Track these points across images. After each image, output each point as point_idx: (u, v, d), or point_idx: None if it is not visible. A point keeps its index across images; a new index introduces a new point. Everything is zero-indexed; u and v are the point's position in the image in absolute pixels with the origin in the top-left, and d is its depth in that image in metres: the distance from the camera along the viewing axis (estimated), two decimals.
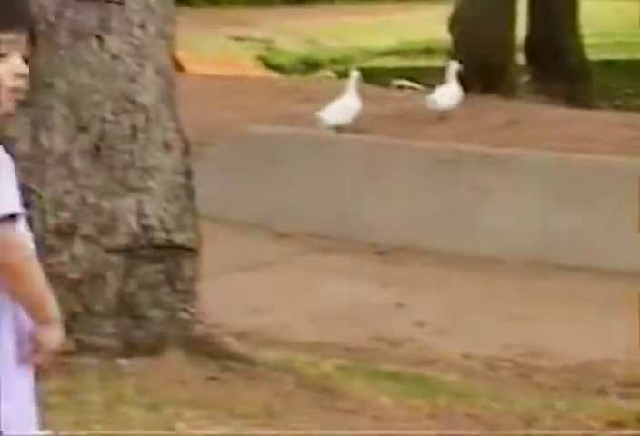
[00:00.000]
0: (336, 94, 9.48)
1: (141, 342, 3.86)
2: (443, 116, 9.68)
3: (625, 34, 21.65)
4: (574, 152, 7.61)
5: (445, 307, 5.78)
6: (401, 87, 13.64)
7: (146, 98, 3.90)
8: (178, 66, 17.15)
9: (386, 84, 13.24)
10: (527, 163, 7.21)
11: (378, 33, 19.82)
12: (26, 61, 1.92)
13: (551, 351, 5.12)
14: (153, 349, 3.86)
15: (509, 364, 4.92)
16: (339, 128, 8.88)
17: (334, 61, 18.39)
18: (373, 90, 9.53)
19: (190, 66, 16.08)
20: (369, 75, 9.56)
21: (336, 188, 7.33)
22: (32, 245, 2.05)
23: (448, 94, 9.70)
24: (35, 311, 2.04)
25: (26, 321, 2.05)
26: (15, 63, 1.99)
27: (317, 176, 7.38)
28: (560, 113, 9.93)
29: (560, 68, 12.44)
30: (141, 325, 3.88)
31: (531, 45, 12.77)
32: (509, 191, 7.06)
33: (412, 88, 13.73)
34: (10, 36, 1.99)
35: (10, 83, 2.00)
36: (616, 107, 12.01)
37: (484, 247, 6.85)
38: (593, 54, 15.87)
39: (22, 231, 2.02)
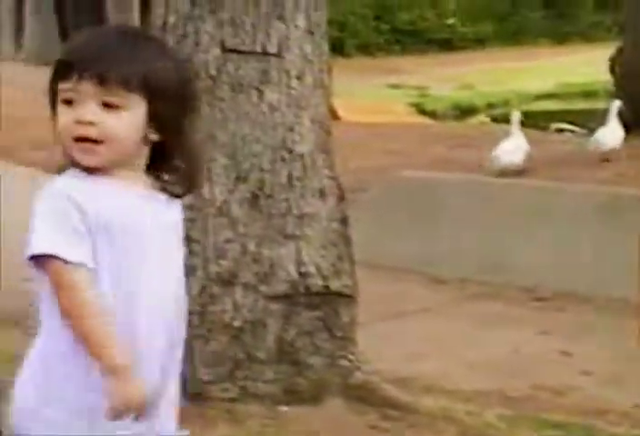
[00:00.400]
0: (492, 138, 9.45)
1: (301, 389, 3.90)
2: (606, 158, 9.54)
3: None
4: None
5: (612, 355, 5.64)
6: (560, 130, 13.50)
7: (303, 147, 3.98)
8: (334, 115, 17.42)
9: (544, 128, 13.12)
10: None
11: (533, 76, 19.69)
12: (106, 106, 1.95)
13: None
14: (313, 396, 3.89)
15: None
16: (507, 169, 8.86)
17: (489, 105, 18.33)
18: (531, 133, 9.45)
19: (345, 114, 16.29)
20: (527, 119, 9.52)
21: (494, 233, 7.28)
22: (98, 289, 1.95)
23: (611, 135, 9.56)
24: (95, 357, 1.93)
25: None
26: (81, 111, 1.96)
27: (474, 221, 7.35)
28: None
29: None
30: (301, 372, 3.93)
31: None
32: None
33: (571, 131, 13.57)
34: (87, 86, 1.95)
35: (74, 131, 1.97)
36: None
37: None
38: None
39: (79, 272, 1.93)
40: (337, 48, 23.76)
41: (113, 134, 1.96)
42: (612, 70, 12.33)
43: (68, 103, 1.97)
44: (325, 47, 4.08)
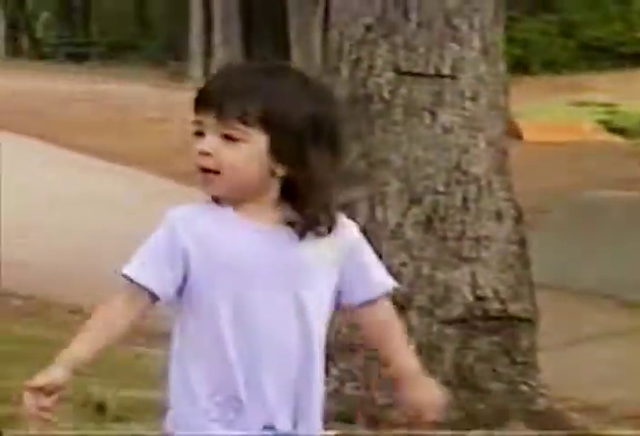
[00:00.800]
0: None
1: (481, 415, 3.85)
2: None
3: None
4: None
5: None
6: None
7: (478, 169, 3.95)
8: (516, 134, 17.27)
9: None
10: None
11: None
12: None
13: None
14: (494, 422, 3.83)
15: None
16: None
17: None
18: None
19: (528, 134, 16.06)
20: None
21: None
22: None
23: None
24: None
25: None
26: (203, 142, 1.99)
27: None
28: None
29: None
30: (481, 398, 3.88)
31: None
32: None
33: None
34: (208, 119, 1.99)
35: (197, 162, 2.01)
36: None
37: None
38: None
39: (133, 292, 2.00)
40: (521, 67, 23.49)
41: (229, 165, 1.98)
42: None
43: (199, 134, 2.02)
44: (501, 67, 4.04)
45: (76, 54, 36.37)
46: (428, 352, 3.84)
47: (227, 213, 2.02)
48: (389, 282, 2.18)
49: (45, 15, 42.05)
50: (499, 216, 3.96)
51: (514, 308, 3.94)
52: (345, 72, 4.00)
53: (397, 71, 3.91)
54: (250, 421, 2.00)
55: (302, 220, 2.03)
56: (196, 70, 23.36)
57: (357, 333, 3.85)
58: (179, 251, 1.99)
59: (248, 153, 1.99)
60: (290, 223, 2.02)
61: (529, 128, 17.01)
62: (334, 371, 3.84)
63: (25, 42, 43.81)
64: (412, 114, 3.90)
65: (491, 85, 3.98)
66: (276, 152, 2.00)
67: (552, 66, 24.46)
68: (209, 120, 1.99)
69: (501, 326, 3.90)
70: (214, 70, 23.68)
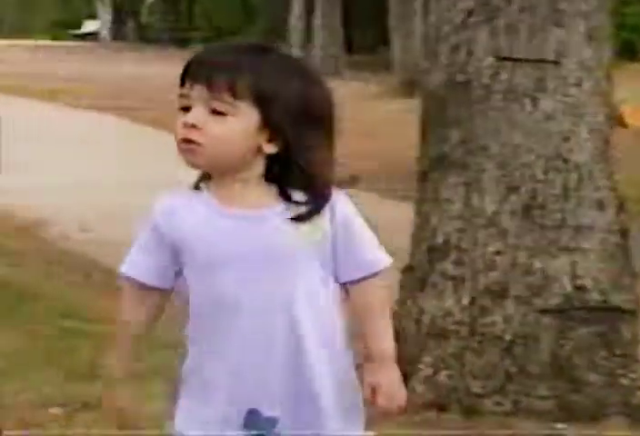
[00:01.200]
0: None
1: (578, 407, 3.78)
2: None
3: None
4: None
5: None
6: None
7: (579, 157, 3.87)
8: (621, 122, 16.89)
9: None
10: None
11: None
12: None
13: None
14: (591, 415, 3.77)
15: None
16: None
17: None
18: None
19: (634, 121, 15.72)
20: None
21: None
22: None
23: None
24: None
25: None
26: (188, 115, 1.96)
27: None
28: None
29: None
30: (578, 389, 3.81)
31: None
32: None
33: None
34: (196, 91, 1.96)
35: (180, 134, 1.97)
36: None
37: None
38: None
39: (126, 285, 2.06)
40: (628, 52, 22.98)
41: (213, 138, 1.94)
42: None
43: (185, 109, 1.98)
44: (606, 52, 3.94)
45: (180, 38, 36.79)
46: (525, 342, 3.79)
47: (206, 200, 2.00)
48: (379, 262, 2.04)
49: (150, 0, 42.62)
50: (600, 205, 3.87)
51: (614, 299, 3.86)
52: (443, 57, 3.95)
53: (498, 56, 3.84)
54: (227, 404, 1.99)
55: (301, 202, 1.98)
56: (295, 52, 23.43)
57: (450, 320, 3.82)
58: (168, 246, 2.01)
59: (235, 126, 1.95)
60: (288, 206, 1.97)
61: (633, 115, 16.64)
62: (427, 359, 3.82)
63: (130, 26, 44.49)
64: (512, 100, 3.83)
65: (595, 71, 3.88)
66: (269, 128, 1.96)
67: None
68: (197, 92, 1.96)
69: (601, 317, 3.82)
70: (314, 55, 23.76)
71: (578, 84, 3.85)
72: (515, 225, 3.83)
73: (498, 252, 3.82)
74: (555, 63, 3.82)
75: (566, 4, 3.84)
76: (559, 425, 3.71)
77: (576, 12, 3.84)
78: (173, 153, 1.99)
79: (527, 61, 3.82)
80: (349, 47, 26.99)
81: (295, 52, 23.66)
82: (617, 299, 3.87)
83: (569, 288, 3.81)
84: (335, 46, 24.87)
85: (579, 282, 3.81)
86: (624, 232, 3.92)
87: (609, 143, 3.94)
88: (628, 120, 15.86)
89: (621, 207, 3.93)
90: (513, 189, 3.84)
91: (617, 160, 4.02)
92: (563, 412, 3.73)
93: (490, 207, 3.85)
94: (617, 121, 15.94)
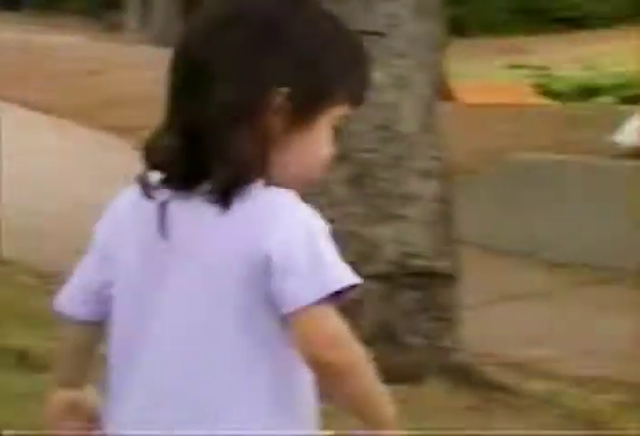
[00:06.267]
0: (616, 120, 9.24)
1: (400, 370, 3.91)
2: None
3: None
4: None
5: None
6: None
7: (407, 127, 3.97)
8: (450, 96, 17.27)
9: None
10: None
11: None
12: None
13: None
14: (412, 376, 3.90)
15: None
16: (629, 151, 8.68)
17: (615, 86, 17.91)
18: None
19: (463, 95, 16.11)
20: None
21: (611, 216, 7.14)
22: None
23: None
24: (365, 414, 1.56)
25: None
26: None
27: (591, 204, 7.22)
28: None
29: None
30: (400, 352, 3.94)
31: None
32: None
33: None
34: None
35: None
36: None
37: None
38: None
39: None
40: (458, 28, 23.53)
41: None
42: None
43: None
44: (434, 27, 4.05)
45: (10, 1, 35.64)
46: (352, 307, 3.89)
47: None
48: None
49: None
50: (427, 174, 4.00)
51: (437, 265, 4.00)
52: None
53: None
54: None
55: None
56: (133, 22, 23.04)
57: None
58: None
59: None
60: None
61: (463, 89, 17.04)
62: None
63: None
64: None
65: (422, 44, 3.99)
66: None
67: (490, 28, 24.55)
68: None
69: (424, 282, 3.95)
70: (152, 22, 23.40)
71: (404, 57, 3.95)
72: (345, 194, 3.91)
73: (330, 220, 3.90)
74: (381, 34, 3.90)
75: None
76: None
77: None
78: None
79: (356, 31, 3.89)
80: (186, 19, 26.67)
81: (132, 19, 23.27)
82: (440, 265, 4.00)
83: (396, 255, 3.92)
84: (173, 16, 24.57)
85: (405, 248, 3.93)
86: (448, 201, 4.06)
87: (435, 115, 4.06)
88: (459, 94, 16.24)
89: (446, 177, 4.06)
90: (343, 158, 3.92)
91: (446, 133, 4.14)
92: (386, 374, 3.85)
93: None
94: (445, 95, 16.35)
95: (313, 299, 1.49)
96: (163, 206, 1.52)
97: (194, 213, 1.51)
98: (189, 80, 1.51)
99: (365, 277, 4.09)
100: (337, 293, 1.55)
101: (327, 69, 1.53)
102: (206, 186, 1.49)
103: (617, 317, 5.84)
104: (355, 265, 4.06)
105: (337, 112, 1.57)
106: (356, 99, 1.59)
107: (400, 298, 3.93)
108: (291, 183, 1.53)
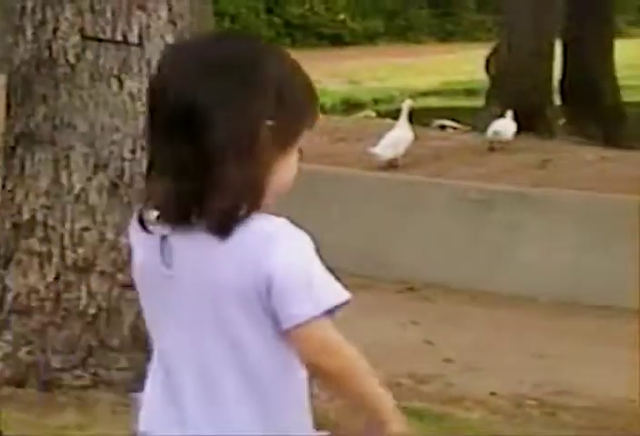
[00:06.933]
0: (375, 132, 9.52)
1: None
2: (501, 147, 9.88)
3: None
4: (606, 192, 7.57)
5: (474, 344, 5.75)
6: (442, 127, 13.68)
7: None
8: None
9: (427, 124, 13.29)
10: (560, 203, 7.19)
11: (419, 73, 19.91)
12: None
13: (578, 389, 5.07)
14: None
15: (535, 403, 4.88)
16: (387, 163, 8.95)
17: (375, 101, 18.48)
18: (414, 129, 9.58)
19: None
20: (411, 115, 9.63)
21: (371, 225, 7.34)
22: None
23: (505, 128, 9.96)
24: (368, 412, 1.77)
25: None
26: None
27: (352, 214, 7.40)
28: (594, 153, 9.91)
29: (595, 110, 12.44)
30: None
31: (566, 88, 12.81)
32: (541, 230, 7.04)
33: (453, 127, 13.78)
34: None
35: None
36: None
37: (515, 285, 6.83)
38: (634, 96, 15.78)
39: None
40: None
41: None
42: (487, 69, 12.62)
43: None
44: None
45: None
46: (108, 316, 3.84)
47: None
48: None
49: None
50: None
51: None
52: (29, 32, 3.89)
53: (83, 35, 3.85)
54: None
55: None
56: None
57: (34, 297, 3.79)
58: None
59: None
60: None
61: None
62: (7, 336, 3.77)
63: None
64: (98, 80, 3.85)
65: None
66: None
67: None
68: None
69: None
70: None
71: None
72: (103, 202, 3.86)
73: (86, 229, 3.83)
74: (139, 45, 3.88)
75: None
76: (134, 395, 3.78)
77: None
78: None
79: (112, 42, 3.85)
80: None
81: None
82: None
83: None
84: None
85: None
86: None
87: None
88: None
89: None
90: (101, 166, 3.87)
91: None
92: (140, 382, 3.81)
93: (78, 184, 3.85)
94: None
95: (309, 316, 1.68)
96: (164, 239, 1.69)
97: (194, 242, 1.67)
98: (181, 125, 1.65)
99: (121, 286, 4.06)
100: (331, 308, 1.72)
101: (299, 102, 1.73)
102: (205, 219, 1.65)
103: (369, 320, 5.99)
104: (113, 274, 4.05)
105: (304, 135, 1.76)
106: (313, 124, 1.78)
107: None
108: (270, 199, 1.72)
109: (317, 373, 1.73)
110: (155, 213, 1.70)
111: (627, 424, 4.63)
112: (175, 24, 3.94)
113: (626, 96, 13.81)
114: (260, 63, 1.70)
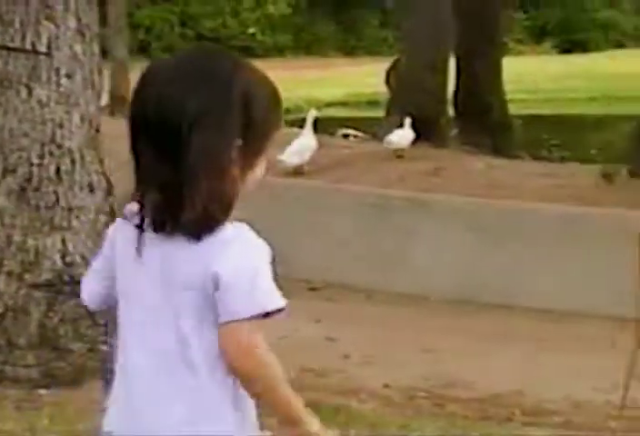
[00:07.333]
0: (283, 141, 9.54)
1: (61, 374, 3.85)
2: (400, 154, 9.99)
3: (550, 90, 22.11)
4: (494, 197, 7.70)
5: (370, 341, 5.80)
6: (346, 136, 13.78)
7: (72, 143, 3.93)
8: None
9: (332, 133, 13.37)
10: (451, 208, 7.29)
11: (325, 85, 20.02)
12: None
13: (466, 382, 5.14)
14: (73, 380, 3.84)
15: (426, 394, 4.93)
16: (293, 169, 8.97)
17: (284, 110, 18.49)
18: (319, 138, 9.63)
19: None
20: (317, 124, 9.70)
21: (277, 228, 7.34)
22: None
23: (404, 136, 10.07)
24: (279, 414, 1.79)
25: None
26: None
27: (259, 217, 7.37)
28: (483, 162, 10.07)
29: (484, 121, 12.65)
30: (61, 357, 3.87)
31: (459, 100, 13.00)
32: (434, 233, 7.13)
33: (356, 136, 13.89)
34: None
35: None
36: (540, 158, 12.20)
37: (409, 285, 6.90)
38: (521, 109, 16.11)
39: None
40: (144, 51, 23.48)
41: None
42: (387, 81, 12.77)
43: None
44: (96, 49, 4.02)
45: None
46: (15, 316, 3.78)
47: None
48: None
49: None
50: (91, 188, 3.96)
51: None
52: None
53: None
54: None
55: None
56: None
57: None
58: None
59: None
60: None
61: None
62: None
63: None
64: (7, 88, 3.80)
65: (86, 65, 3.95)
66: None
67: (172, 52, 24.64)
68: None
69: None
70: None
71: (70, 76, 3.90)
72: (11, 206, 3.80)
73: None
74: (47, 54, 3.84)
75: (57, 1, 3.86)
76: (41, 391, 3.74)
77: (67, 8, 3.88)
78: None
79: (21, 50, 3.80)
80: None
81: None
82: None
83: (60, 264, 3.86)
84: None
85: (69, 258, 3.87)
86: (112, 213, 4.04)
87: (99, 132, 4.04)
88: None
89: (109, 190, 4.04)
90: (9, 171, 3.81)
91: (107, 147, 4.12)
92: (47, 379, 3.77)
93: None
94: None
95: (244, 315, 1.73)
96: (141, 233, 1.74)
97: (166, 241, 1.73)
98: (161, 142, 1.68)
99: (30, 286, 4.01)
100: (267, 314, 1.76)
101: (267, 120, 1.76)
102: (179, 228, 1.71)
103: (274, 318, 6.01)
104: (21, 274, 3.99)
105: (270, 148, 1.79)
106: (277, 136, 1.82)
107: (64, 306, 3.87)
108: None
109: (235, 373, 1.75)
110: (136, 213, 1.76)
111: (510, 413, 4.71)
112: (83, 34, 3.91)
113: (513, 109, 14.08)
114: (234, 82, 1.72)
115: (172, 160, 1.67)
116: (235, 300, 1.73)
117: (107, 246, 1.86)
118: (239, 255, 1.74)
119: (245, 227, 1.76)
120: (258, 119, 1.74)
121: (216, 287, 1.72)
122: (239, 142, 1.71)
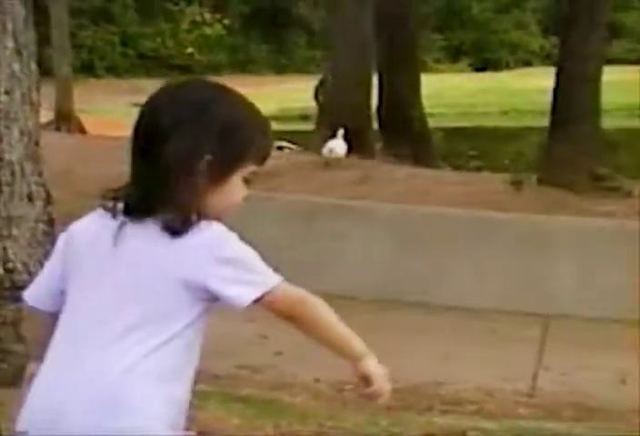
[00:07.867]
0: None
1: (4, 374, 3.78)
2: (336, 163, 10.05)
3: (467, 104, 22.40)
4: (415, 204, 7.76)
5: (302, 338, 5.79)
6: (280, 148, 13.81)
7: (12, 156, 3.87)
8: (81, 129, 16.93)
9: None
10: (376, 213, 7.32)
11: (259, 101, 19.98)
12: None
13: (390, 374, 5.16)
14: (15, 380, 3.76)
15: (353, 387, 4.94)
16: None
17: None
18: None
19: (92, 129, 15.92)
20: None
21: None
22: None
23: (341, 146, 10.11)
24: (344, 350, 1.91)
25: None
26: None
27: None
28: (405, 171, 10.16)
29: (406, 134, 12.77)
30: (3, 359, 3.80)
31: (382, 114, 13.09)
32: (360, 237, 7.15)
33: (289, 148, 13.93)
34: None
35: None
36: (457, 167, 12.35)
37: (339, 286, 6.91)
38: (441, 122, 16.29)
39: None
40: (88, 69, 23.23)
41: None
42: (316, 97, 12.84)
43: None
44: (34, 67, 3.96)
45: None
46: None
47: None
48: None
49: None
50: (30, 198, 3.90)
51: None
52: None
53: None
54: None
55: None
56: None
57: None
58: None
59: None
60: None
61: (92, 124, 16.81)
62: None
63: None
64: None
65: (24, 82, 3.89)
66: None
67: (114, 71, 24.49)
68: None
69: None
70: None
71: (9, 93, 3.84)
72: None
73: None
74: None
75: None
76: None
77: (5, 29, 3.82)
78: None
79: None
80: None
81: None
82: None
83: (1, 270, 3.80)
84: None
85: (10, 265, 3.81)
86: (50, 222, 3.98)
87: (38, 145, 3.98)
88: (88, 128, 16.03)
89: (48, 200, 3.99)
90: None
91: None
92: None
93: None
94: (77, 128, 16.10)
95: (272, 284, 1.83)
96: (122, 224, 1.77)
97: (142, 233, 1.76)
98: (145, 146, 1.78)
99: None
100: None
101: (242, 142, 1.81)
102: (158, 219, 1.75)
103: (211, 319, 5.97)
104: None
105: (248, 169, 1.83)
106: (262, 160, 1.86)
107: (5, 310, 3.80)
108: (218, 217, 1.81)
109: (302, 320, 1.87)
110: (121, 206, 1.80)
111: (430, 403, 4.74)
112: (20, 53, 3.85)
113: (434, 122, 14.22)
114: (213, 108, 1.80)
115: (151, 162, 1.75)
116: (256, 276, 1.83)
117: (61, 245, 1.87)
118: (234, 245, 1.81)
119: (217, 225, 1.80)
120: (232, 142, 1.79)
121: (205, 279, 1.78)
122: (209, 157, 1.76)
